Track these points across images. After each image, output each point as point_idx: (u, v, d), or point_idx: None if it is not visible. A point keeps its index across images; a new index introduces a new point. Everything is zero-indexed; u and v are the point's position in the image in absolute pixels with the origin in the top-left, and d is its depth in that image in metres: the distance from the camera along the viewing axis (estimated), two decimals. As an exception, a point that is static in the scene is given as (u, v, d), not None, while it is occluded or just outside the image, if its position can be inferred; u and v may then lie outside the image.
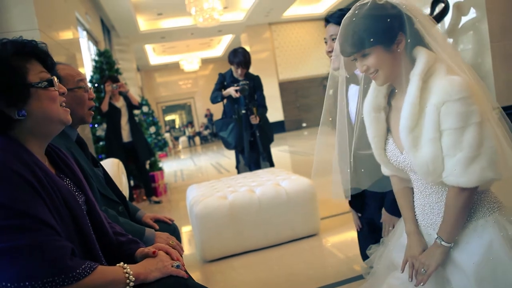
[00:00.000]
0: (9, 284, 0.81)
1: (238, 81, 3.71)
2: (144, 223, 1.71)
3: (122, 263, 1.01)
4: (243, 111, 3.70)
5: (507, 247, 1.08)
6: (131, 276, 0.98)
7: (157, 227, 1.67)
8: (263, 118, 3.85)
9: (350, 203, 1.95)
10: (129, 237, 1.20)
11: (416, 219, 1.29)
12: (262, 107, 3.83)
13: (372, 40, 1.11)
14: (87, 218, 1.04)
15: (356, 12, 1.14)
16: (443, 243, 1.14)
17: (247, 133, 3.73)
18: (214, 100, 3.87)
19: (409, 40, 1.13)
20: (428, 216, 1.23)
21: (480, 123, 1.05)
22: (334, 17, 1.73)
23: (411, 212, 1.30)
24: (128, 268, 1.00)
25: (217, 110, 18.49)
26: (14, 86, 0.92)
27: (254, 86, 3.78)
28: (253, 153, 3.84)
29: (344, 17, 1.18)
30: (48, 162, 1.07)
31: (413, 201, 1.31)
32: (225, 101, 3.87)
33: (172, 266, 1.07)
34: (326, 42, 1.79)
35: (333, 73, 1.45)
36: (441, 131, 1.08)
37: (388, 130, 1.28)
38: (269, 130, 3.95)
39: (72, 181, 1.10)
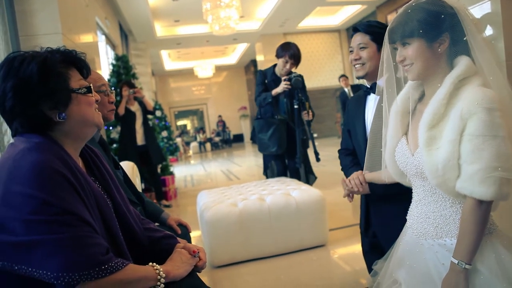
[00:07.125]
0: (49, 273, 0.87)
1: (279, 80, 3.43)
2: (168, 225, 1.83)
3: (150, 263, 1.08)
4: (296, 106, 3.33)
5: (498, 269, 1.06)
6: (161, 272, 1.06)
7: (179, 231, 1.80)
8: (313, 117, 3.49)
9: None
10: (165, 232, 1.29)
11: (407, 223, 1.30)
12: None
13: (415, 30, 1.11)
14: (116, 220, 1.09)
15: (414, 4, 1.14)
16: (466, 266, 1.05)
17: (300, 130, 3.36)
18: (263, 102, 3.51)
19: (452, 45, 1.12)
20: (422, 225, 1.21)
21: (505, 138, 1.03)
22: (362, 26, 1.74)
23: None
24: (158, 266, 1.08)
25: (228, 118, 18.54)
26: (59, 90, 0.99)
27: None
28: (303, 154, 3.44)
29: (402, 8, 1.18)
30: (82, 164, 1.13)
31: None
32: None
33: (194, 257, 1.20)
34: (351, 51, 1.77)
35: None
36: (463, 135, 1.05)
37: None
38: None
39: (101, 184, 1.15)
